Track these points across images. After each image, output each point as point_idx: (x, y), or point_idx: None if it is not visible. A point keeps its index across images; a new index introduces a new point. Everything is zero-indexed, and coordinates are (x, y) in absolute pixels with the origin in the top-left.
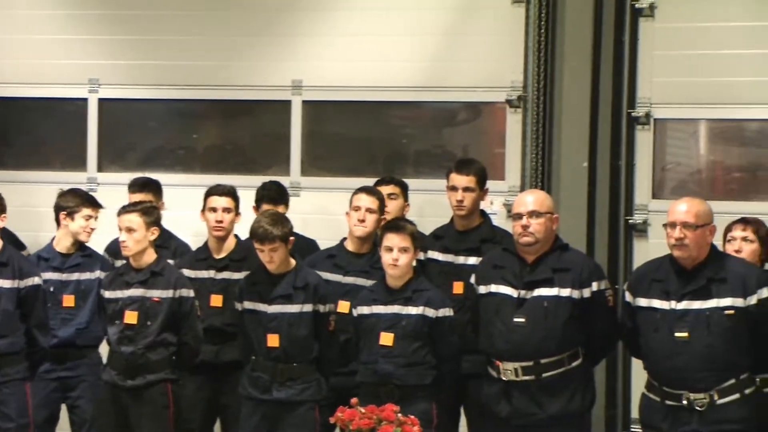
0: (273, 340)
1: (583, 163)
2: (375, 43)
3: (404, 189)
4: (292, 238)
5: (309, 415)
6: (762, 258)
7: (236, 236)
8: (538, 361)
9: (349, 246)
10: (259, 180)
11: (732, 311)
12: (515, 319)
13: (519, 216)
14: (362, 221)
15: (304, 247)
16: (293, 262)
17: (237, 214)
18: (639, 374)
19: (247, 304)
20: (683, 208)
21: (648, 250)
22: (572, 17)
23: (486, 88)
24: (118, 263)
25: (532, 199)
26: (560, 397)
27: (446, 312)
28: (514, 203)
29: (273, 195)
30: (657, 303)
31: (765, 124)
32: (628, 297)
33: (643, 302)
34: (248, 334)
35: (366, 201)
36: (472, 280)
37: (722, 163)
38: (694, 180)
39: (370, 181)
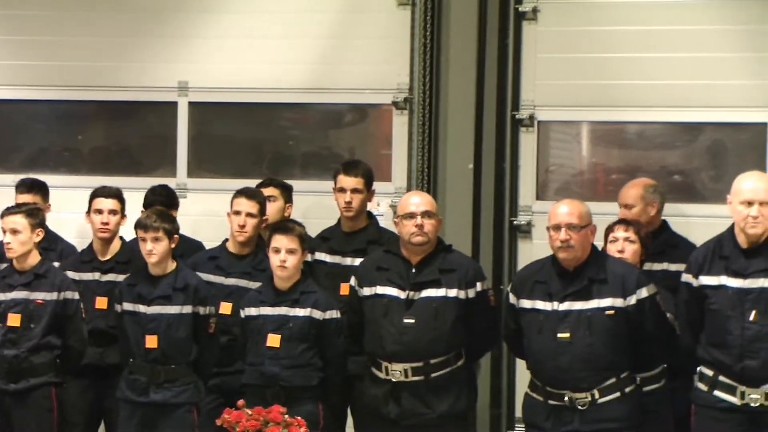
0: (151, 342)
1: (469, 164)
2: (261, 45)
3: (285, 191)
4: (176, 236)
5: (187, 418)
6: (642, 258)
7: (121, 238)
8: (427, 362)
9: (231, 248)
10: (145, 182)
11: (612, 311)
12: (405, 321)
13: (412, 216)
14: (243, 227)
15: (190, 249)
16: (174, 263)
17: (123, 216)
18: (523, 374)
19: (127, 306)
20: (566, 210)
21: (532, 250)
22: (457, 20)
23: (372, 90)
24: (2, 266)
25: (425, 200)
26: (448, 396)
27: (333, 314)
28: (401, 204)
29: (163, 200)
30: (540, 304)
31: (645, 126)
32: (512, 299)
33: (526, 304)
34: (128, 336)
35: (246, 206)
36: (353, 282)
37: (603, 164)
38: (576, 181)
39: (255, 183)
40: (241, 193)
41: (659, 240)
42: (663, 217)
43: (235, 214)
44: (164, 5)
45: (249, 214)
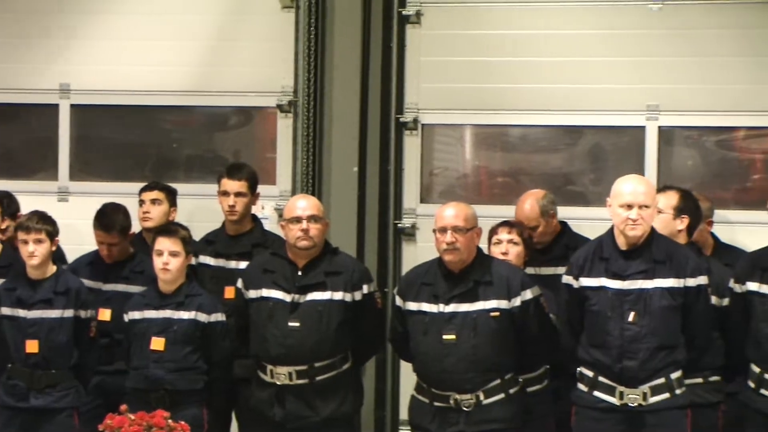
0: (32, 346)
1: (353, 167)
2: (144, 47)
3: (169, 194)
4: (57, 239)
5: (68, 422)
6: (525, 260)
7: (2, 243)
8: (312, 365)
9: None
10: (27, 185)
11: (497, 313)
12: (290, 324)
13: (298, 220)
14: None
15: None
16: (54, 267)
17: (3, 219)
18: (407, 377)
19: (5, 311)
20: (452, 213)
21: (416, 253)
22: (341, 23)
23: (257, 93)
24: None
25: (311, 204)
26: (333, 399)
27: (218, 317)
28: (287, 208)
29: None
30: (426, 306)
31: (527, 129)
32: (399, 301)
33: (412, 306)
34: (6, 341)
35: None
36: (239, 284)
37: (487, 167)
38: (460, 184)
39: (139, 186)
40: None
41: (561, 243)
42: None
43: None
44: (45, 6)
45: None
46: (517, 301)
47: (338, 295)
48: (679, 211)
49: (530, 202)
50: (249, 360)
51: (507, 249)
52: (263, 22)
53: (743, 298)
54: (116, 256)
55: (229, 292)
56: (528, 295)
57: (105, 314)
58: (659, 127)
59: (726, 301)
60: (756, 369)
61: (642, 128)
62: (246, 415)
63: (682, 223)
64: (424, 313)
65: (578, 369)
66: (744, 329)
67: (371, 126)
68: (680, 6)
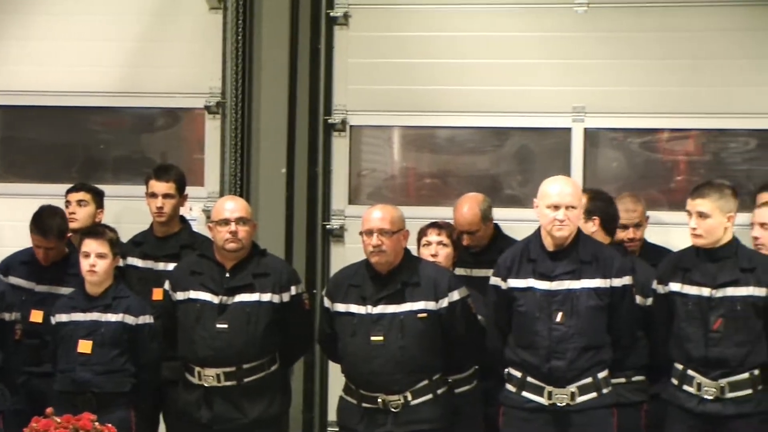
0: None
1: (282, 169)
2: (71, 47)
3: (96, 195)
4: None
5: None
6: (454, 261)
7: None
8: (240, 367)
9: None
10: None
11: (425, 314)
12: (218, 326)
13: (226, 222)
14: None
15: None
16: None
17: None
18: (336, 378)
19: None
20: (378, 215)
21: (345, 255)
22: (269, 25)
23: (184, 95)
24: None
25: (240, 206)
26: (261, 401)
27: (146, 319)
28: (215, 209)
29: None
30: (354, 308)
31: (455, 131)
32: (327, 303)
33: (341, 307)
34: None
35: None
36: (167, 286)
37: (415, 169)
38: (388, 186)
39: (66, 187)
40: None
41: (496, 245)
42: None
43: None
44: None
45: None
46: (444, 302)
47: (266, 297)
48: (589, 213)
49: (470, 207)
50: (176, 362)
51: (437, 251)
52: (191, 23)
53: (666, 299)
54: (52, 258)
55: (157, 294)
56: (455, 296)
57: (37, 316)
58: (585, 128)
59: (650, 301)
60: (679, 366)
61: (568, 130)
62: (173, 418)
63: (594, 225)
64: (352, 314)
65: (506, 370)
66: (667, 329)
67: (299, 127)
68: (605, 9)
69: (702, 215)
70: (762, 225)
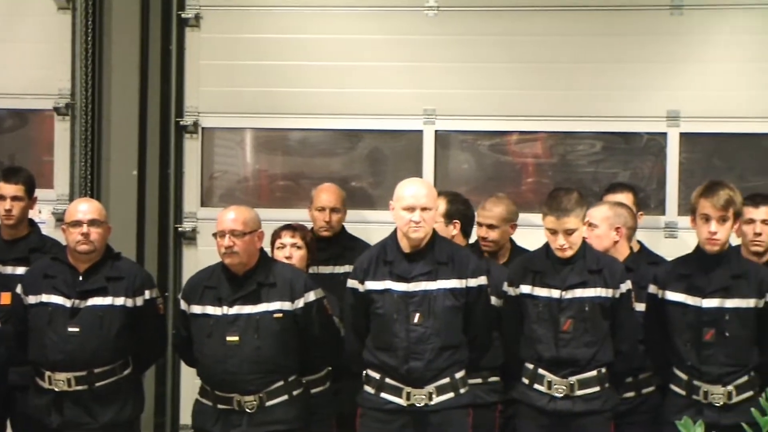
0: None
1: (133, 171)
2: None
3: None
4: None
5: None
6: (308, 263)
7: None
8: (91, 371)
9: None
10: None
11: (280, 315)
12: (69, 329)
13: (78, 224)
14: None
15: None
16: None
17: None
18: (188, 381)
19: None
20: (231, 217)
21: (198, 257)
22: (119, 26)
23: (33, 96)
24: None
25: (93, 208)
26: (112, 405)
27: None
28: (68, 211)
29: None
30: (210, 309)
31: (307, 133)
32: (183, 305)
33: (197, 309)
34: None
35: None
36: (19, 290)
37: (267, 171)
38: (241, 188)
39: None
40: None
41: (339, 244)
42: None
43: None
44: None
45: None
46: (300, 303)
47: (119, 301)
48: (449, 217)
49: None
50: (26, 366)
51: (291, 253)
52: (39, 23)
53: (517, 301)
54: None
55: (6, 298)
56: (311, 297)
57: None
58: (436, 131)
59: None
60: (530, 366)
61: (419, 132)
62: (22, 423)
63: (455, 228)
64: (208, 315)
65: (364, 372)
66: (518, 330)
67: (151, 129)
68: (455, 12)
69: (569, 232)
70: (589, 225)
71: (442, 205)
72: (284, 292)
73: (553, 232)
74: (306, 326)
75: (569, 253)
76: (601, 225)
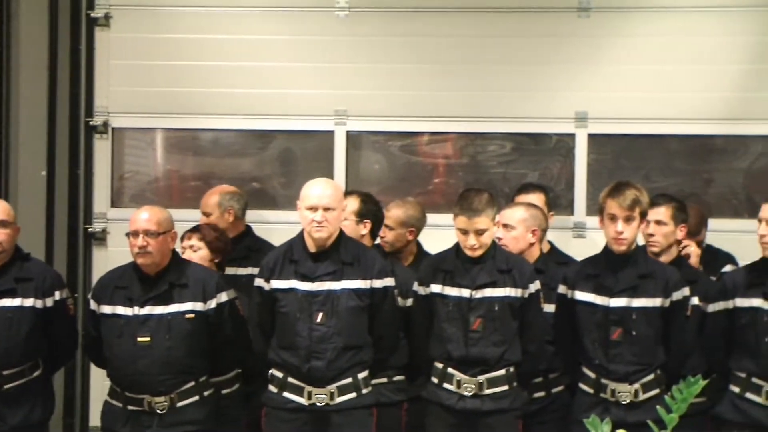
0: None
1: (42, 171)
2: None
3: None
4: None
5: None
6: (216, 262)
7: None
8: (0, 373)
9: None
10: None
11: (192, 315)
12: None
13: None
14: None
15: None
16: None
17: None
18: (97, 382)
19: None
20: (145, 217)
21: (108, 258)
22: (27, 24)
23: None
24: None
25: (1, 208)
26: (22, 407)
27: None
28: None
29: None
30: (121, 309)
31: (218, 134)
32: (93, 305)
33: (107, 309)
34: None
35: None
36: None
37: (178, 171)
38: (151, 188)
39: None
40: None
41: (243, 245)
42: (247, 223)
43: None
44: None
45: None
46: (212, 304)
47: (29, 302)
48: (361, 216)
49: (214, 191)
50: None
51: (189, 254)
52: None
53: (427, 300)
54: None
55: None
56: (223, 297)
57: None
58: (347, 131)
59: (410, 302)
60: (439, 365)
61: (331, 133)
62: None
63: (366, 228)
64: (119, 316)
65: (269, 371)
66: (427, 330)
67: (60, 129)
68: (366, 13)
69: (479, 232)
70: (505, 226)
71: (354, 203)
72: (196, 293)
73: (464, 232)
74: (218, 327)
75: (479, 252)
76: (518, 227)
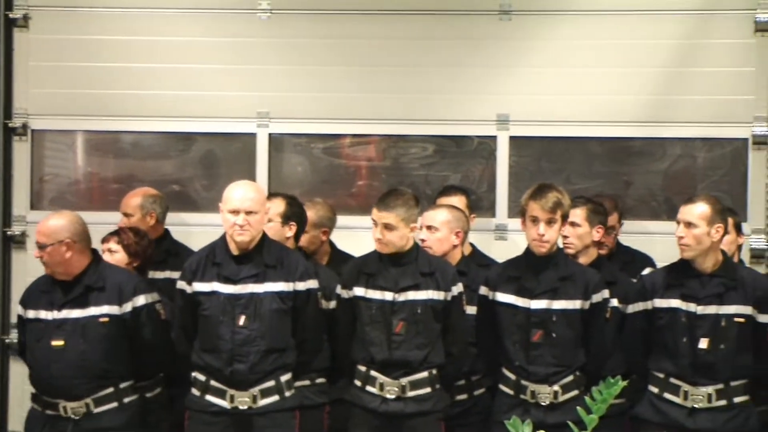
0: None
1: None
2: None
3: None
4: None
5: None
6: (135, 265)
7: None
8: None
9: None
10: None
11: (107, 319)
12: None
13: None
14: None
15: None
16: None
17: None
18: (17, 387)
19: None
20: (39, 228)
21: (27, 261)
22: None
23: None
24: None
25: None
26: None
27: None
28: None
29: None
30: (43, 314)
31: (139, 136)
32: (20, 311)
33: (31, 314)
34: None
35: None
36: None
37: (99, 174)
38: (72, 191)
39: None
40: None
41: (161, 248)
42: (165, 226)
43: None
44: None
45: None
46: (128, 307)
47: None
48: (286, 218)
49: (136, 193)
50: None
51: (107, 258)
52: None
53: (350, 304)
54: None
55: None
56: (140, 301)
57: None
58: (270, 134)
59: (333, 304)
60: (362, 368)
61: (253, 135)
62: None
63: (291, 230)
64: (40, 320)
65: (192, 374)
66: (350, 333)
67: None
68: (288, 15)
69: (388, 227)
70: (429, 228)
71: (280, 206)
72: (112, 297)
73: (375, 224)
74: (135, 331)
75: (386, 249)
76: (441, 228)
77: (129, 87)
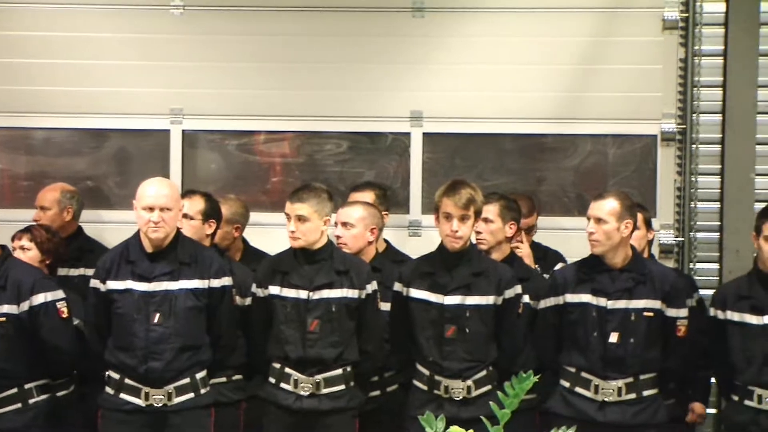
0: None
1: None
2: None
3: None
4: None
5: None
6: (48, 263)
7: None
8: None
9: None
10: None
11: (4, 318)
12: None
13: None
14: None
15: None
16: None
17: None
18: None
19: None
20: None
21: None
22: None
23: None
24: None
25: None
26: None
27: None
28: None
29: None
30: None
31: (51, 132)
32: None
33: None
34: None
35: None
36: None
37: (10, 171)
38: None
39: None
40: None
41: (75, 245)
42: (79, 223)
43: None
44: None
45: None
46: (25, 306)
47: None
48: (206, 216)
49: (53, 188)
50: None
51: (19, 255)
52: None
53: (265, 302)
54: None
55: None
56: (39, 299)
57: None
58: (183, 130)
59: (248, 301)
60: (277, 365)
61: (167, 132)
62: None
63: (210, 228)
64: None
65: (106, 372)
66: (266, 330)
67: None
68: (202, 12)
69: (301, 219)
70: (344, 224)
71: (200, 203)
72: (12, 295)
73: (288, 217)
74: (35, 331)
75: (299, 243)
76: (357, 225)
77: (41, 83)
